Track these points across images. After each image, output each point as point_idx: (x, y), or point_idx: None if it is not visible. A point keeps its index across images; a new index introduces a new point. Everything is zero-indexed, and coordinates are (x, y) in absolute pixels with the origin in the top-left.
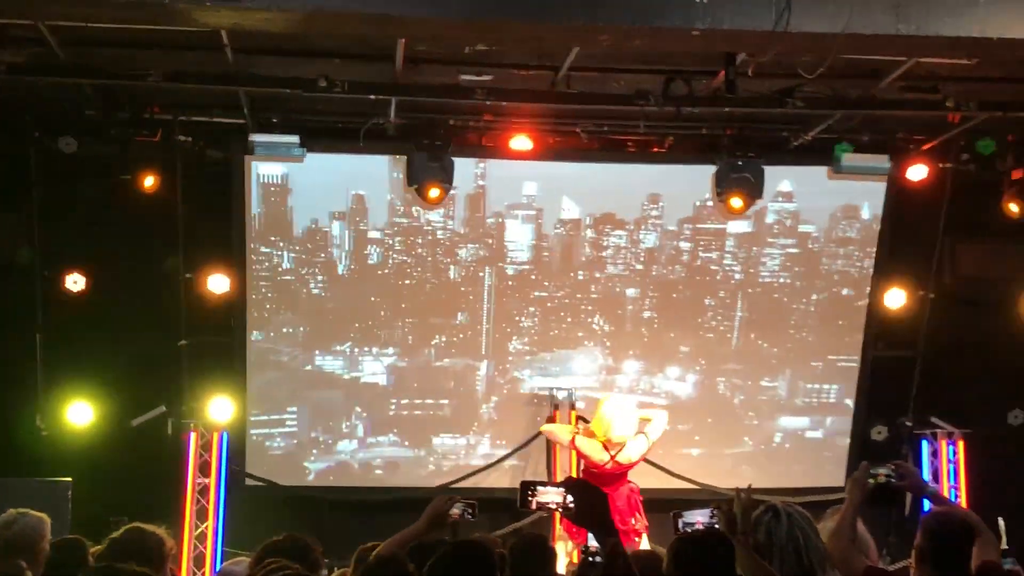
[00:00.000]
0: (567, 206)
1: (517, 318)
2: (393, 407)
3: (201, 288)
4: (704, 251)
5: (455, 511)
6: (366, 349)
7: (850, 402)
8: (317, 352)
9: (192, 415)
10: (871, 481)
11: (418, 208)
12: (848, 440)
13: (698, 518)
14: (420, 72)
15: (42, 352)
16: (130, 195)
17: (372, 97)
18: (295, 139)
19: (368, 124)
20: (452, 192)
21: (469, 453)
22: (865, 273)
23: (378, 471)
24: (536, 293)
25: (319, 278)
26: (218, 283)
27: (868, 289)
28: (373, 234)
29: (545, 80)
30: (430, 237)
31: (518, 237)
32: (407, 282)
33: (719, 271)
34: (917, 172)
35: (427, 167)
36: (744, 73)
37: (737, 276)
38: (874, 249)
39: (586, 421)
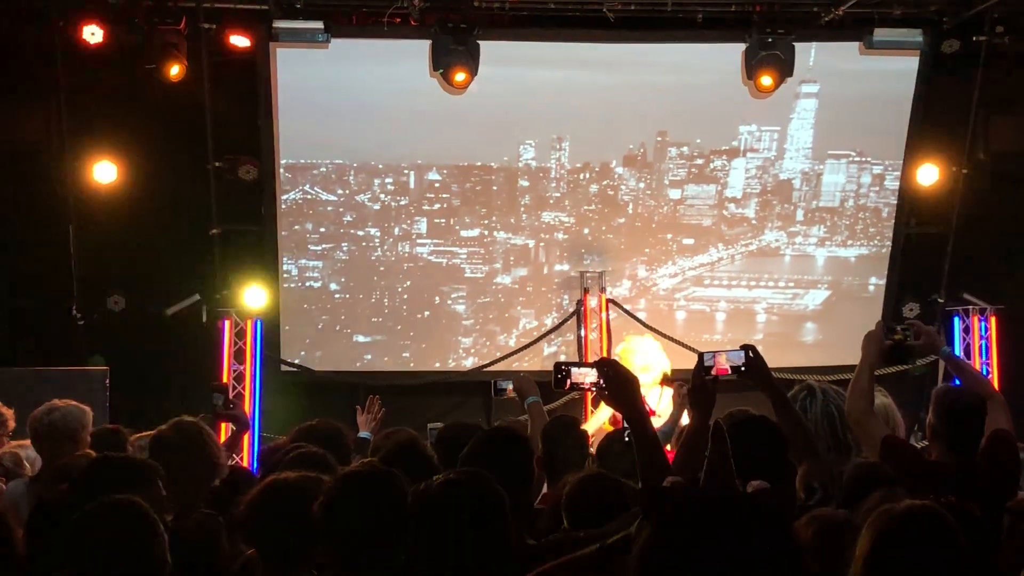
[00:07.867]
0: None
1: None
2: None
3: (230, 176)
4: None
5: None
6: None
7: (882, 280)
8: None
9: (226, 303)
10: (887, 344)
11: None
12: (880, 318)
13: (723, 357)
14: None
15: (75, 242)
16: (156, 84)
17: None
18: (319, 24)
19: (392, 7)
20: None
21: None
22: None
23: (406, 354)
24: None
25: None
26: (247, 171)
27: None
28: None
29: None
30: None
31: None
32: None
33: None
34: (950, 45)
35: (452, 51)
36: None
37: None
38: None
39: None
